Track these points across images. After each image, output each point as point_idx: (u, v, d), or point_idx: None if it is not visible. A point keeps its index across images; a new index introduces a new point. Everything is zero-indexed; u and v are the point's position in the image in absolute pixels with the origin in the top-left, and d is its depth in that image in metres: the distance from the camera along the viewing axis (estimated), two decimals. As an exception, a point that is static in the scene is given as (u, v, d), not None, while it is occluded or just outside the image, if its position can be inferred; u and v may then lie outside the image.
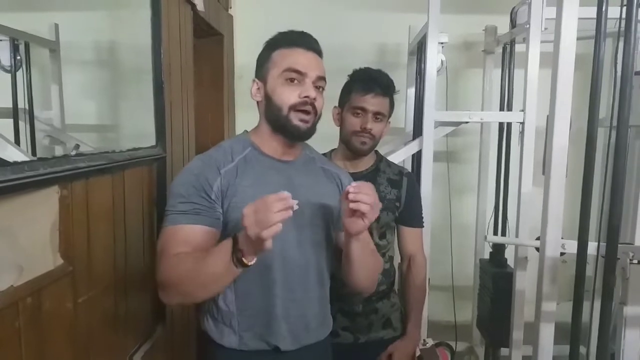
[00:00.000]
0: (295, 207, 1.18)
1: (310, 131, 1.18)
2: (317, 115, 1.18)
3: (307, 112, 1.15)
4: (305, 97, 1.14)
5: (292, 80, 1.15)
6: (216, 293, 1.14)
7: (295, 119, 1.14)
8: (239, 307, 1.17)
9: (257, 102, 1.23)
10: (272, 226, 0.91)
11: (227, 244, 1.00)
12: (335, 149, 1.67)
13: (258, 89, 1.21)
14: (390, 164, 1.70)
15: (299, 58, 1.16)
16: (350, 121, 1.57)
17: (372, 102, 1.55)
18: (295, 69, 1.14)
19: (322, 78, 1.18)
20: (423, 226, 1.71)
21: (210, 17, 2.18)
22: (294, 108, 1.14)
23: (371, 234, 1.58)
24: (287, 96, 1.14)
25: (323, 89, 1.20)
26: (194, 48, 1.89)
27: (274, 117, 1.17)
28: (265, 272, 1.15)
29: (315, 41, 1.21)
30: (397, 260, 1.75)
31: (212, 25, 2.23)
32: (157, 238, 1.14)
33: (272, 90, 1.17)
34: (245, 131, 1.28)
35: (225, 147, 1.21)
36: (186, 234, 1.09)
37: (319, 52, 1.21)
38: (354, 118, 1.57)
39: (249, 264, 1.00)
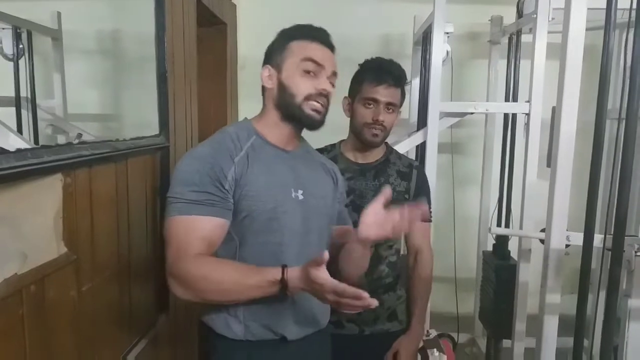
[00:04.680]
0: (301, 198, 1.18)
1: (321, 122, 1.19)
2: (327, 109, 1.19)
3: (321, 104, 1.16)
4: (322, 89, 1.15)
5: (308, 71, 1.16)
6: None
7: (308, 108, 1.15)
8: None
9: (266, 89, 1.21)
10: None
11: (274, 282, 1.02)
12: (344, 139, 1.65)
13: (269, 75, 1.19)
14: (400, 156, 1.67)
15: (318, 52, 1.17)
16: (361, 112, 1.54)
17: (384, 93, 1.52)
18: (315, 60, 1.15)
19: (335, 74, 1.20)
20: (431, 220, 1.69)
21: (213, 6, 2.16)
22: (308, 98, 1.15)
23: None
24: (304, 86, 1.15)
25: (334, 85, 1.21)
26: (197, 37, 1.88)
27: (285, 105, 1.17)
28: (275, 264, 1.14)
29: (332, 40, 1.22)
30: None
31: (215, 14, 2.22)
32: (164, 227, 1.10)
33: (287, 78, 1.17)
34: (246, 119, 1.26)
35: (231, 133, 1.18)
36: (201, 228, 1.07)
37: (333, 49, 1.22)
38: (365, 109, 1.53)
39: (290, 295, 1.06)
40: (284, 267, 1.02)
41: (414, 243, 1.65)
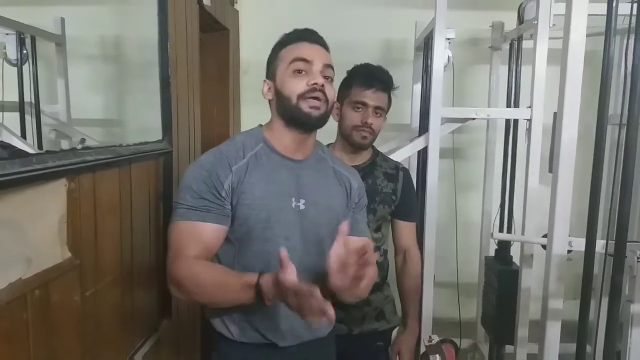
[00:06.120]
0: (302, 208, 1.18)
1: (323, 118, 1.18)
2: (328, 104, 1.17)
3: (316, 99, 1.15)
4: (314, 84, 1.14)
5: (299, 71, 1.16)
6: None
7: (305, 106, 1.15)
8: None
9: (269, 100, 1.24)
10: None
11: (250, 285, 1.02)
12: (331, 143, 1.68)
13: (269, 88, 1.22)
14: (386, 159, 1.72)
15: (304, 49, 1.18)
16: (350, 116, 1.59)
17: (373, 97, 1.57)
18: (302, 57, 1.16)
19: (330, 66, 1.19)
20: (417, 220, 1.76)
21: (216, 11, 2.17)
22: (302, 96, 1.14)
23: (367, 227, 1.60)
24: (295, 86, 1.15)
25: (332, 79, 1.20)
26: (199, 43, 1.89)
27: (284, 110, 1.18)
28: (268, 271, 1.15)
29: (320, 36, 1.23)
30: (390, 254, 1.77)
31: (218, 20, 2.23)
32: (167, 231, 1.16)
33: (281, 83, 1.18)
34: (260, 125, 1.28)
35: (238, 142, 1.21)
36: (199, 233, 1.11)
37: (324, 45, 1.22)
38: (354, 113, 1.58)
39: (269, 304, 1.04)
40: (261, 273, 1.03)
41: (402, 243, 1.72)
